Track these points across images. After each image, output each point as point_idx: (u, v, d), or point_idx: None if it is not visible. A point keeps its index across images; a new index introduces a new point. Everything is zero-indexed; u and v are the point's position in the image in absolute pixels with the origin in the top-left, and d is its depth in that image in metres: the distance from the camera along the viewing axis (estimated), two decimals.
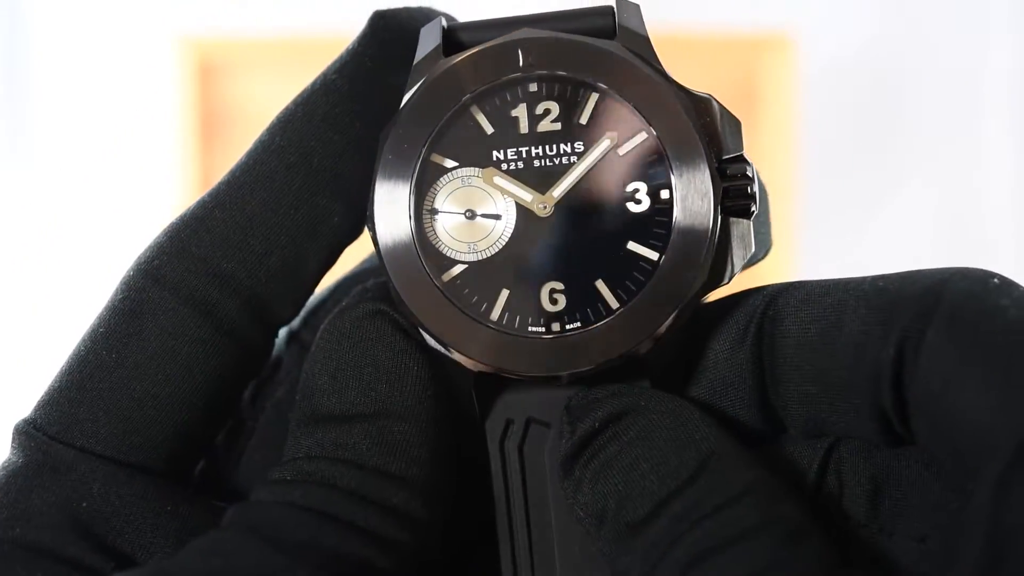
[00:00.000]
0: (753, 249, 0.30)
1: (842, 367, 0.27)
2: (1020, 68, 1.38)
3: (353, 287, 0.34)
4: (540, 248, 0.30)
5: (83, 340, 0.30)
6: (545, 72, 0.30)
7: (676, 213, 0.30)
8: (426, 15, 0.32)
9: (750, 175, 0.30)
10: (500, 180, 0.30)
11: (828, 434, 0.29)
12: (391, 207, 0.29)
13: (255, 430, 0.33)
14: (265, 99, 1.19)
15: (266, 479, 0.28)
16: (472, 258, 0.30)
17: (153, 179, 1.26)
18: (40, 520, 0.27)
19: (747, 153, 0.30)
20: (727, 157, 0.30)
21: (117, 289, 0.30)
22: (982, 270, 0.26)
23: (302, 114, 0.30)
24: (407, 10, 0.32)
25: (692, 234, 0.30)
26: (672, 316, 0.29)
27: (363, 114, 0.30)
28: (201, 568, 0.25)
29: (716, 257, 0.30)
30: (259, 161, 0.30)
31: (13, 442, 0.29)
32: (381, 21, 0.32)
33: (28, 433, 0.28)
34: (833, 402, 0.28)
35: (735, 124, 0.31)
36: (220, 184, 0.31)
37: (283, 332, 0.34)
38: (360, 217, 0.31)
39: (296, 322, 0.34)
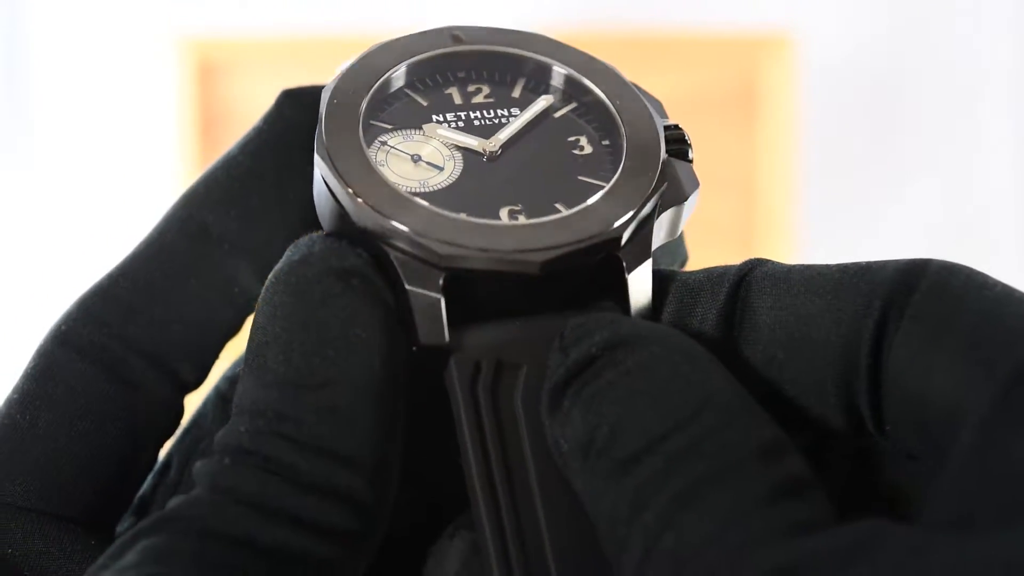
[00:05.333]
0: (699, 184, 0.31)
1: (817, 334, 0.27)
2: (1021, 68, 1.38)
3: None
4: (493, 180, 0.30)
5: None
6: (477, 48, 0.32)
7: (625, 130, 0.31)
8: None
9: (682, 129, 0.31)
10: (443, 131, 0.31)
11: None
12: (345, 151, 0.30)
13: (179, 484, 0.33)
14: (265, 100, 1.19)
15: (207, 455, 0.27)
16: (425, 190, 0.30)
17: (152, 180, 1.26)
18: None
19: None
20: (666, 124, 0.31)
21: (31, 357, 0.31)
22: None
23: (203, 190, 0.32)
24: (318, 88, 0.32)
25: (642, 138, 0.31)
26: (652, 190, 0.29)
27: (262, 189, 0.32)
28: None
29: (669, 176, 0.30)
30: (163, 233, 0.32)
31: None
32: (288, 99, 0.33)
33: None
34: (799, 372, 0.27)
35: (657, 102, 0.32)
36: (127, 256, 0.32)
37: (210, 389, 0.35)
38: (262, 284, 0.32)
39: (221, 381, 0.35)
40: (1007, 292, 0.25)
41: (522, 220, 0.29)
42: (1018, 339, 0.24)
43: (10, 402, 0.31)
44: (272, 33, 1.21)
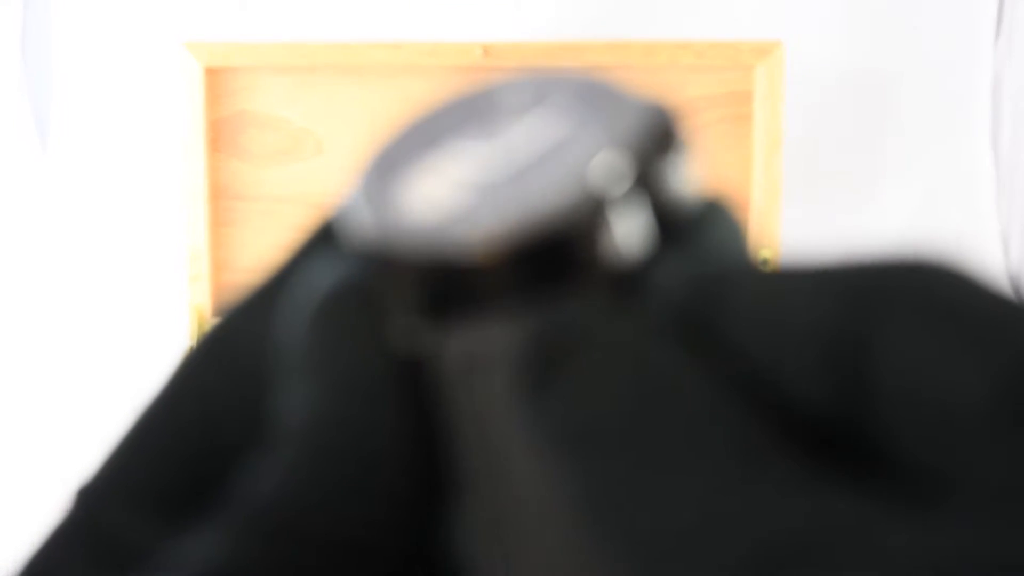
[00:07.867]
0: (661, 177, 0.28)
1: (800, 338, 0.25)
2: (1009, 78, 1.40)
3: None
4: (483, 197, 0.31)
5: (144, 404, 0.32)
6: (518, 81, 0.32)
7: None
8: None
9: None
10: (457, 162, 0.31)
11: None
12: (375, 193, 0.30)
13: None
14: (271, 104, 1.20)
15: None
16: (420, 218, 0.31)
17: (158, 182, 1.27)
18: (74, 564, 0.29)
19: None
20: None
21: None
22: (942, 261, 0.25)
23: None
24: None
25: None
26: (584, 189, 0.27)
27: None
28: None
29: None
30: None
31: (70, 505, 0.31)
32: None
33: (79, 492, 0.30)
34: (784, 379, 0.26)
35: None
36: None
37: None
38: None
39: None
40: (998, 292, 0.23)
41: (470, 216, 0.28)
42: (1017, 336, 0.23)
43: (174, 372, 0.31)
44: (279, 39, 1.22)
